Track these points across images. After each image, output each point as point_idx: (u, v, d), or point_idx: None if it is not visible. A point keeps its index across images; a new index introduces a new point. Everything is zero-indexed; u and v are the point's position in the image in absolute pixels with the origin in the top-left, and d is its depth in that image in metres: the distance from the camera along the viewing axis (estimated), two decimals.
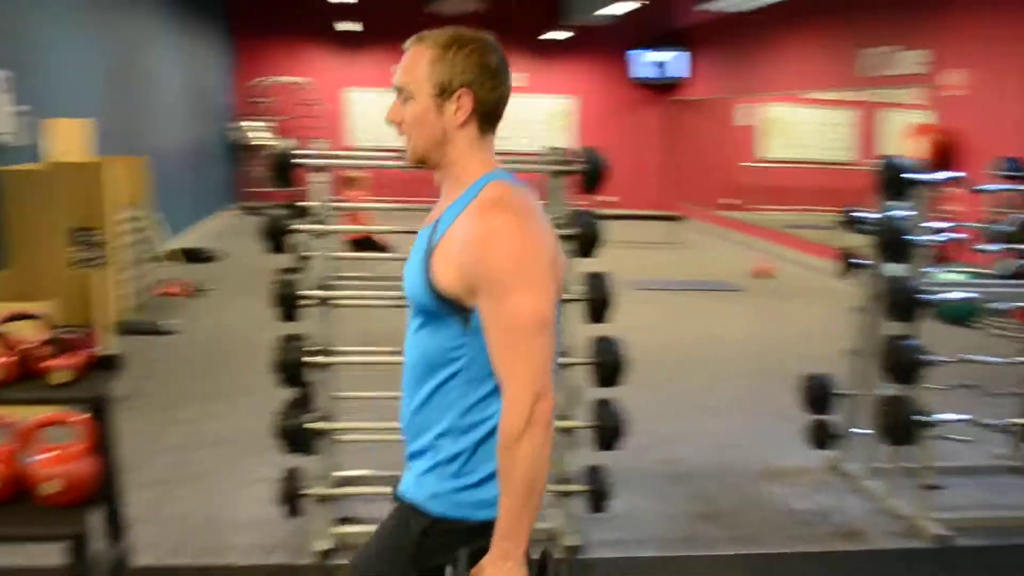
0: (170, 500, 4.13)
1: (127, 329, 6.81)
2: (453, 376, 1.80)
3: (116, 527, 3.38)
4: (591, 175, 3.77)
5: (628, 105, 16.49)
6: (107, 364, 3.32)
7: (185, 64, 12.51)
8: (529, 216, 1.75)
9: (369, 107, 15.49)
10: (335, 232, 3.73)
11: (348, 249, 9.02)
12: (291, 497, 3.64)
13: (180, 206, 11.50)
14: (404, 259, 1.89)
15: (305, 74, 15.52)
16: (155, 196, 8.88)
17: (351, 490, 3.92)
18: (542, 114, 16.12)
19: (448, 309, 1.77)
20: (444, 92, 1.77)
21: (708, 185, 14.85)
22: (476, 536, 1.77)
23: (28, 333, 3.26)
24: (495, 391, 1.76)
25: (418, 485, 1.86)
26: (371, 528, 3.64)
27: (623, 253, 12.00)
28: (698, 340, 7.48)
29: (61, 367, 3.11)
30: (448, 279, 1.74)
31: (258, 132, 15.01)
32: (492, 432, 1.77)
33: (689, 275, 10.56)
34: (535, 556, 1.80)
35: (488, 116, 1.81)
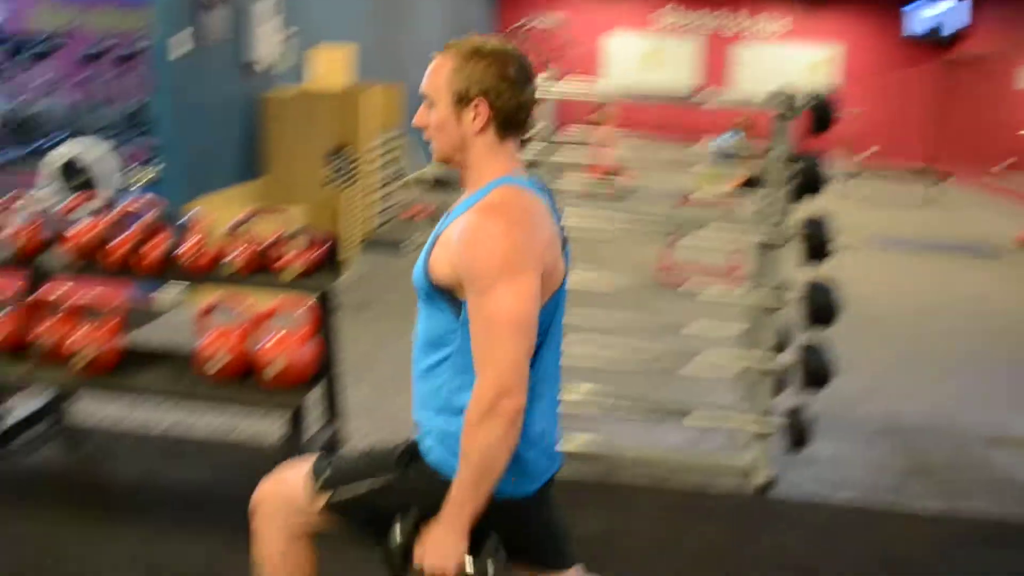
0: (388, 398, 4.41)
1: (372, 245, 7.24)
2: (446, 359, 1.93)
3: (331, 410, 3.67)
4: (818, 119, 3.66)
5: (897, 59, 15.66)
6: (334, 263, 3.58)
7: (447, 3, 12.92)
8: (522, 222, 1.82)
9: (626, 50, 15.48)
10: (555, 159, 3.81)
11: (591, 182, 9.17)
12: None
13: None
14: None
15: (565, 16, 15.68)
16: (408, 124, 9.29)
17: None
18: (803, 62, 15.55)
19: (442, 297, 1.89)
20: (462, 100, 1.88)
21: (977, 148, 13.92)
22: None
23: (269, 230, 3.56)
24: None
25: (421, 441, 2.01)
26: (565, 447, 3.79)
27: (877, 209, 11.52)
28: (942, 300, 7.13)
29: (293, 262, 3.39)
30: (443, 270, 1.86)
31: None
32: None
33: (944, 236, 10.01)
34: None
35: (506, 123, 1.89)
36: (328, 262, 3.55)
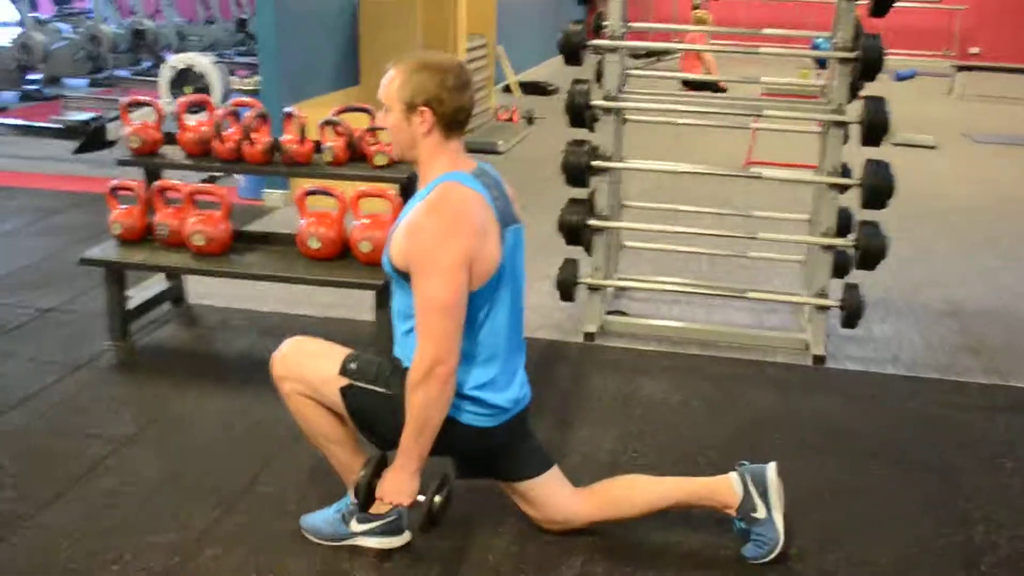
0: None
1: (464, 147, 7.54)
2: (411, 330, 2.33)
3: None
4: (877, 2, 3.76)
5: None
6: None
7: None
8: (453, 219, 2.21)
9: None
10: (627, 49, 4.01)
11: (682, 89, 9.28)
12: (566, 284, 4.11)
13: (528, 42, 12.11)
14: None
15: None
16: (503, 31, 9.49)
17: (620, 283, 4.34)
18: None
19: (404, 278, 2.30)
20: (410, 108, 2.26)
21: None
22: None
23: (358, 124, 3.89)
24: None
25: None
26: (636, 321, 4.09)
27: (977, 105, 11.30)
28: (1022, 194, 7.11)
29: (381, 152, 3.72)
30: (398, 258, 2.29)
31: None
32: None
33: None
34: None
35: (448, 125, 2.28)
36: None
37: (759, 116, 4.08)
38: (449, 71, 2.26)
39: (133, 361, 3.86)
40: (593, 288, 4.11)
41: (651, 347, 4.07)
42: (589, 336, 4.09)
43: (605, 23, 4.02)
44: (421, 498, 2.36)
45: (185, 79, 7.31)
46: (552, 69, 12.95)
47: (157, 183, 3.80)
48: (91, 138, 6.96)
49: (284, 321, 4.25)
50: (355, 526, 2.59)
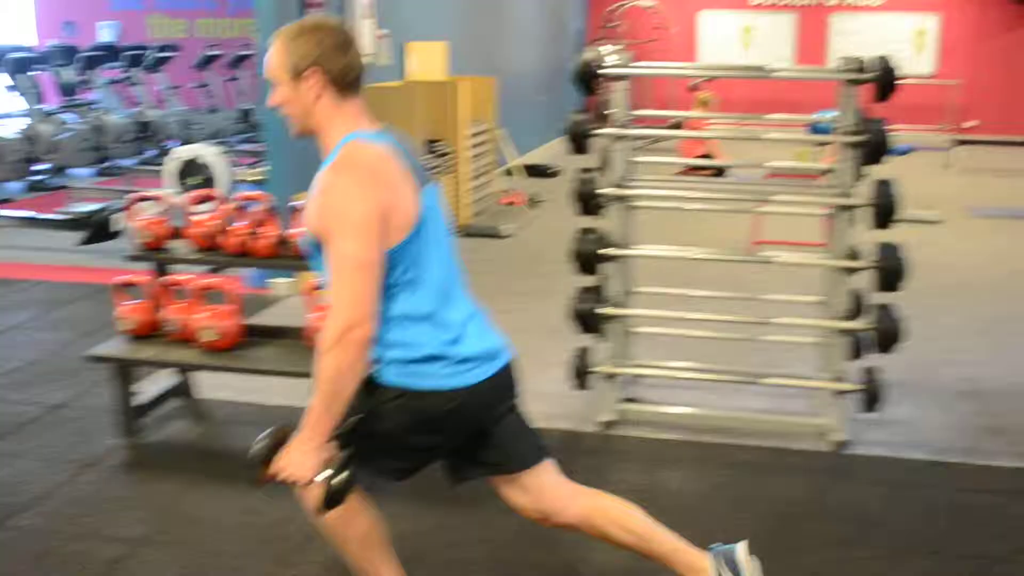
0: None
1: (468, 231, 7.56)
2: None
3: None
4: (883, 86, 3.79)
5: (998, 24, 15.24)
6: None
7: None
8: (359, 175, 2.09)
9: (721, 29, 15.48)
10: (633, 137, 4.03)
11: (684, 172, 9.34)
12: (580, 373, 4.07)
13: (529, 125, 12.23)
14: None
15: None
16: (504, 115, 9.58)
17: (635, 371, 4.29)
18: (903, 31, 15.28)
19: (322, 250, 2.13)
20: (297, 74, 2.14)
21: None
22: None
23: None
24: None
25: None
26: (652, 409, 4.03)
27: (975, 178, 11.35)
28: None
29: None
30: (311, 226, 2.15)
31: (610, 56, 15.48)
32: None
33: None
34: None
35: (340, 84, 2.16)
36: None
37: (769, 201, 4.07)
38: (327, 31, 2.18)
39: (143, 458, 3.81)
40: (608, 376, 4.07)
41: (669, 435, 4.01)
42: (605, 425, 4.03)
43: (610, 111, 4.03)
44: (321, 477, 2.14)
45: (191, 170, 7.36)
46: (553, 151, 13.07)
47: (165, 278, 3.78)
48: (97, 230, 6.97)
49: (293, 415, 4.16)
50: None
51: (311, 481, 2.14)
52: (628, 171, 4.07)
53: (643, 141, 12.04)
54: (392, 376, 2.25)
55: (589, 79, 3.95)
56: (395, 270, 2.14)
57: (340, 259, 2.06)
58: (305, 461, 2.13)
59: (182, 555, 3.11)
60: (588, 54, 4.06)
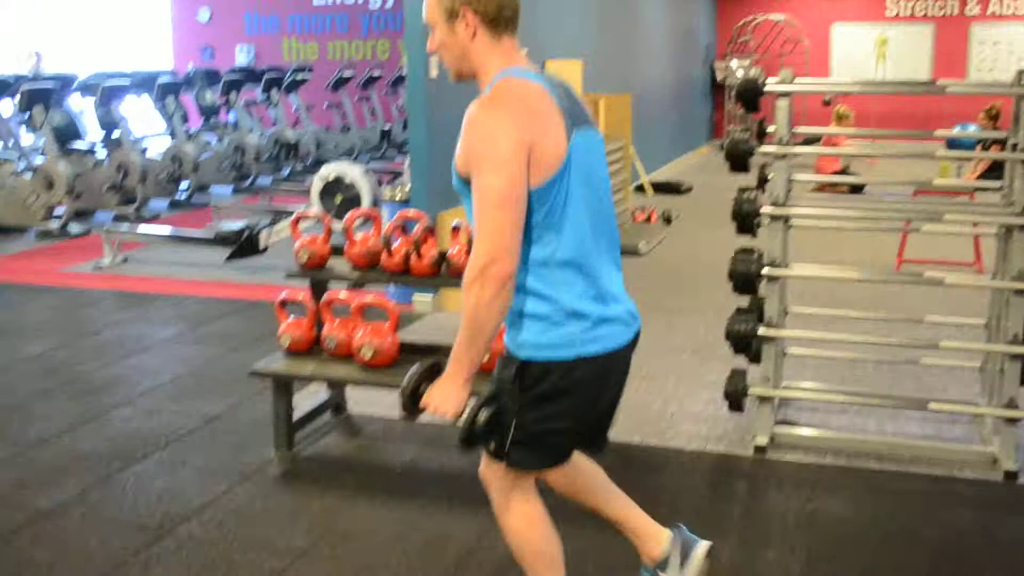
0: (629, 391, 4.58)
1: None
2: None
3: None
4: None
5: None
6: None
7: (671, 6, 13.08)
8: (505, 108, 2.07)
9: (854, 42, 15.13)
10: (795, 155, 3.94)
11: (820, 188, 9.14)
12: (735, 395, 3.98)
13: (660, 141, 12.16)
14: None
15: (789, 11, 15.48)
16: (636, 131, 9.54)
17: (792, 394, 4.18)
18: None
19: (469, 186, 2.11)
20: (452, 16, 2.15)
21: None
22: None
23: None
24: None
25: (508, 348, 2.29)
26: (808, 432, 3.93)
27: None
28: None
29: None
30: (459, 161, 2.13)
31: (741, 71, 15.30)
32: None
33: None
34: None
35: (494, 23, 2.16)
36: None
37: (934, 220, 3.92)
38: None
39: (300, 471, 3.87)
40: (762, 398, 3.97)
41: (825, 460, 3.89)
42: (760, 449, 3.93)
43: (770, 128, 3.95)
44: (467, 412, 2.18)
45: (336, 188, 7.52)
46: (682, 168, 12.96)
47: (326, 295, 3.85)
48: (243, 246, 7.17)
49: (444, 432, 4.21)
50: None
51: (459, 415, 2.17)
52: (787, 189, 3.97)
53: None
54: (531, 336, 2.19)
55: (753, 96, 3.87)
56: (539, 211, 2.11)
57: (482, 193, 2.05)
58: (450, 396, 2.17)
59: (339, 569, 3.14)
60: (752, 72, 3.99)
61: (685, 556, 2.52)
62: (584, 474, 2.55)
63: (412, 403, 2.24)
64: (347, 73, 12.96)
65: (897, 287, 6.12)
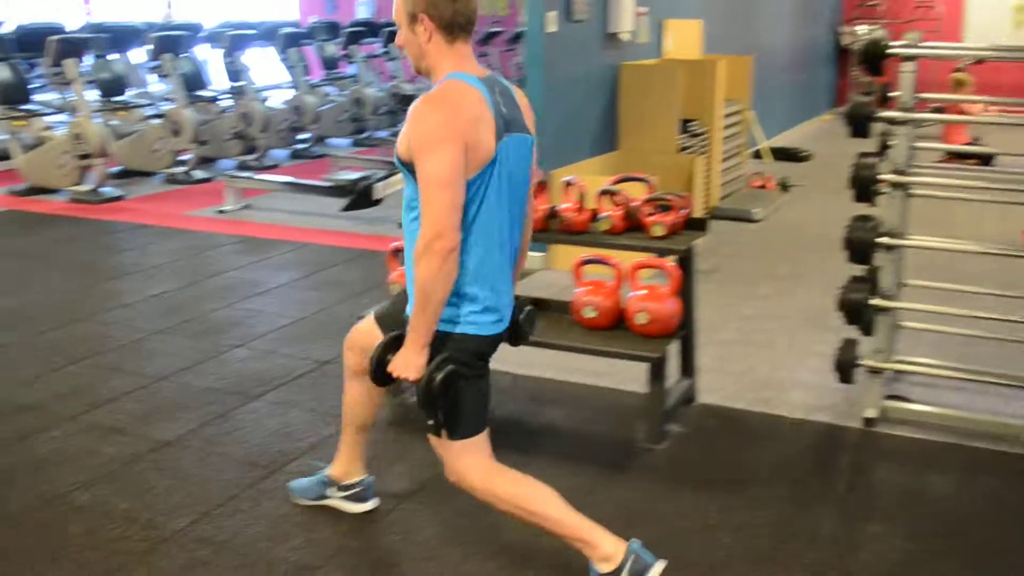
0: (736, 358, 4.62)
1: (718, 214, 7.43)
2: (416, 218, 2.40)
3: (687, 363, 3.94)
4: None
5: None
6: (697, 225, 3.83)
7: None
8: (447, 105, 2.32)
9: (990, 9, 14.49)
10: (918, 121, 3.82)
11: (947, 159, 8.83)
12: (846, 365, 3.91)
13: (780, 106, 11.89)
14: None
15: None
16: (755, 95, 9.35)
17: (905, 367, 4.09)
18: None
19: (409, 169, 2.39)
20: (412, 19, 2.42)
21: None
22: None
23: (635, 193, 3.88)
24: None
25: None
26: (918, 408, 3.84)
27: None
28: None
29: (659, 222, 3.68)
30: (402, 147, 2.39)
31: (868, 36, 14.81)
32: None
33: None
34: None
35: (448, 28, 2.40)
36: (690, 225, 3.82)
37: None
38: None
39: (408, 417, 3.95)
40: (874, 371, 3.90)
41: (936, 437, 3.80)
42: (869, 422, 3.87)
43: (894, 93, 3.84)
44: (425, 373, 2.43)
45: None
46: (801, 135, 12.67)
47: None
48: (359, 197, 7.30)
49: (550, 387, 4.27)
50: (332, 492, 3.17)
51: (418, 378, 2.42)
52: (909, 157, 3.87)
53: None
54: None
55: (878, 59, 3.77)
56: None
57: (426, 176, 2.31)
58: (411, 361, 2.42)
59: (441, 515, 3.21)
60: (876, 33, 3.87)
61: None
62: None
63: (380, 370, 2.49)
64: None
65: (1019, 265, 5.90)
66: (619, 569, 2.53)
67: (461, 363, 2.46)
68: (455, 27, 2.42)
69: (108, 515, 3.21)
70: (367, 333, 2.95)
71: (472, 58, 2.48)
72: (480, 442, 2.64)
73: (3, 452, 3.67)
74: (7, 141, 9.14)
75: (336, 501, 3.22)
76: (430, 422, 2.54)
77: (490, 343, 2.56)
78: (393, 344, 2.49)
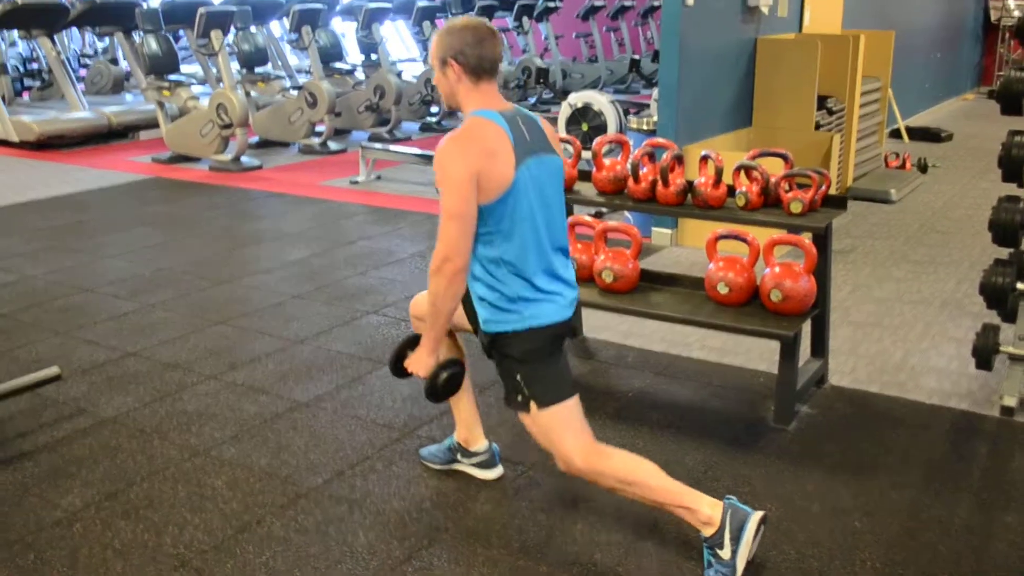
0: (869, 340, 4.52)
1: (853, 194, 7.25)
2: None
3: (820, 343, 3.89)
4: None
5: None
6: (835, 203, 3.76)
7: None
8: (466, 141, 2.58)
9: None
10: None
11: None
12: (985, 351, 3.80)
13: (920, 84, 11.51)
14: None
15: None
16: (895, 72, 9.07)
17: None
18: None
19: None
20: (443, 63, 2.67)
21: None
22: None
23: (773, 170, 3.83)
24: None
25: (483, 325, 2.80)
26: None
27: None
28: None
29: (797, 199, 3.63)
30: (435, 178, 2.64)
31: (1019, 11, 14.18)
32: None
33: None
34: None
35: (475, 72, 2.64)
36: (827, 203, 3.75)
37: None
38: (469, 29, 2.65)
39: None
40: (1015, 358, 3.78)
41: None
42: (1007, 411, 3.75)
43: None
44: (434, 372, 2.80)
45: (583, 116, 7.59)
46: (943, 114, 12.24)
47: (571, 218, 3.93)
48: None
49: (675, 362, 4.26)
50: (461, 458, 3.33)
51: (429, 374, 2.78)
52: None
53: None
54: (486, 314, 2.73)
55: None
56: (490, 222, 2.61)
57: (442, 207, 2.58)
58: (421, 361, 2.79)
59: (569, 484, 3.20)
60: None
61: (736, 530, 2.64)
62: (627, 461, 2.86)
63: (398, 364, 2.89)
64: (598, 2, 12.94)
65: None
66: (720, 529, 2.64)
67: (534, 351, 2.72)
68: (480, 71, 2.65)
69: (249, 469, 3.36)
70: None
71: (496, 95, 2.72)
72: (575, 421, 2.80)
73: (155, 406, 3.87)
74: (154, 111, 9.53)
75: (465, 467, 3.33)
76: (518, 397, 2.77)
77: (557, 328, 2.77)
78: (411, 343, 2.88)
